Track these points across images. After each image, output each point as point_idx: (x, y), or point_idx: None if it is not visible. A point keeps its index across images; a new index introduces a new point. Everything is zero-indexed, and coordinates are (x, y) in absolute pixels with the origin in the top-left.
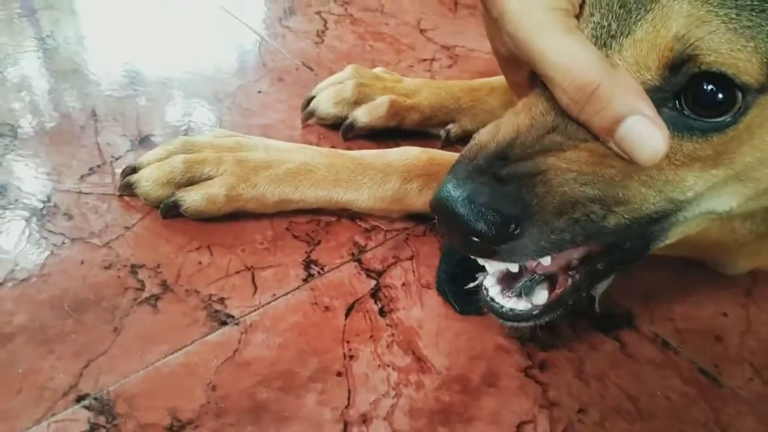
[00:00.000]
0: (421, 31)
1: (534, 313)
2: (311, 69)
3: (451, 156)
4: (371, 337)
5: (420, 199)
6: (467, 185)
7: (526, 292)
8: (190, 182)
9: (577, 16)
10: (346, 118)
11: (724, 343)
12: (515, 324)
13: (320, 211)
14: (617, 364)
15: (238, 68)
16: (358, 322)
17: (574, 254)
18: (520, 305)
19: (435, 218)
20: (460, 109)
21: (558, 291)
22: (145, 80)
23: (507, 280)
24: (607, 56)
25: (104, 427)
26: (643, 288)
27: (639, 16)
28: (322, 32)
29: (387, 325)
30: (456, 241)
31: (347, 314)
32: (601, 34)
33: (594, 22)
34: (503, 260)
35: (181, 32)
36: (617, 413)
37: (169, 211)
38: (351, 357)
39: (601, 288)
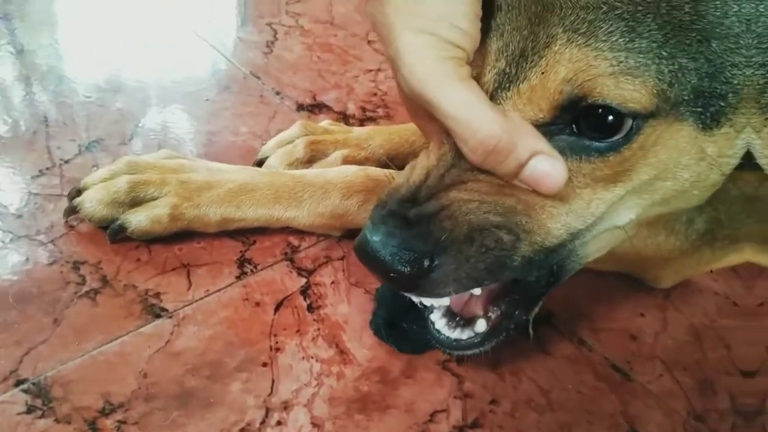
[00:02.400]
0: (369, 42)
1: (476, 341)
2: (258, 78)
3: (387, 173)
4: (298, 331)
5: (360, 215)
6: (381, 229)
7: (465, 324)
8: (134, 203)
9: (475, 65)
10: None
11: (639, 342)
12: (461, 353)
13: None
14: (532, 359)
15: (186, 76)
16: (286, 317)
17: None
18: (464, 335)
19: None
20: (414, 152)
21: (495, 320)
22: (94, 86)
23: (451, 314)
24: (506, 97)
25: (40, 408)
26: (564, 288)
27: (533, 63)
28: (272, 43)
29: (314, 320)
30: (380, 280)
31: (276, 309)
32: (503, 80)
33: (499, 68)
34: (427, 294)
35: (131, 40)
36: (528, 405)
37: (116, 234)
38: (277, 349)
39: (533, 311)
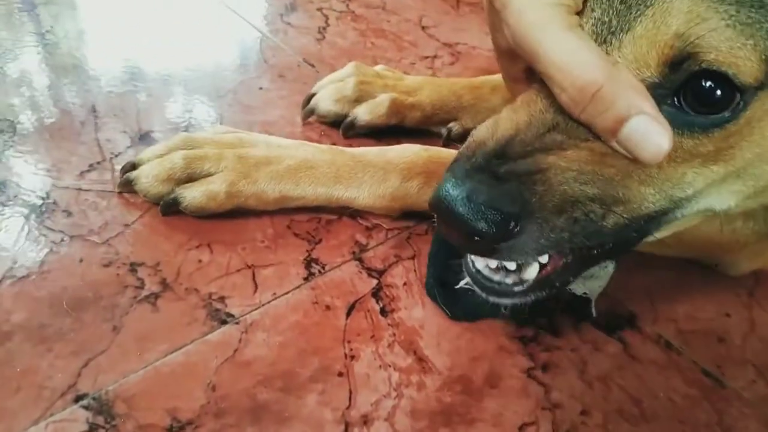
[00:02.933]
0: (423, 28)
1: (519, 289)
2: (312, 66)
3: (451, 154)
4: (372, 336)
5: (420, 197)
6: (466, 184)
7: (514, 268)
8: (190, 179)
9: (579, 13)
10: (346, 116)
11: (727, 344)
12: (499, 300)
13: (321, 210)
14: (620, 365)
15: (239, 65)
16: (359, 321)
17: None
18: (509, 279)
19: (435, 217)
20: (461, 107)
21: (549, 269)
22: (146, 76)
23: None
24: (607, 53)
25: (103, 427)
26: (644, 288)
27: (639, 12)
28: (324, 29)
29: (388, 324)
30: (456, 240)
31: (348, 314)
32: (602, 31)
33: (595, 18)
34: (503, 258)
35: (182, 28)
36: (620, 415)
37: (169, 207)
38: (352, 357)
39: (596, 290)
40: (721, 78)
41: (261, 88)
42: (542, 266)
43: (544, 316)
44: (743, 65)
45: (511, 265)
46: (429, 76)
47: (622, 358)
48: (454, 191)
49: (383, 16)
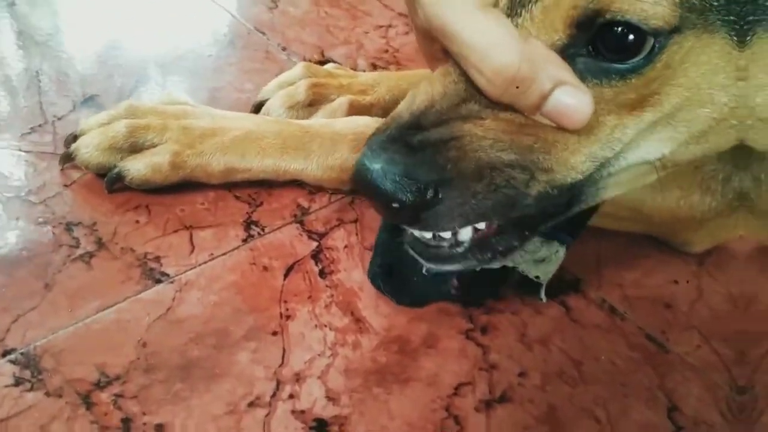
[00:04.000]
0: None
1: (458, 251)
2: (263, 33)
3: None
4: (309, 297)
5: None
6: (381, 156)
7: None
8: (133, 149)
9: None
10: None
11: (674, 311)
12: (442, 266)
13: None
14: (562, 328)
15: (188, 32)
16: (297, 282)
17: None
18: (444, 243)
19: None
20: None
21: (486, 230)
22: (92, 42)
23: None
24: (521, 24)
25: (29, 381)
26: (593, 255)
27: None
28: None
29: (326, 286)
30: (380, 212)
31: (286, 275)
32: (514, 3)
33: None
34: (429, 228)
35: None
36: (559, 377)
37: (114, 182)
38: (288, 317)
39: (548, 274)
40: (630, 26)
41: (210, 56)
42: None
43: (492, 296)
44: (651, 10)
45: (446, 235)
46: (382, 72)
47: (564, 321)
48: (370, 164)
49: None
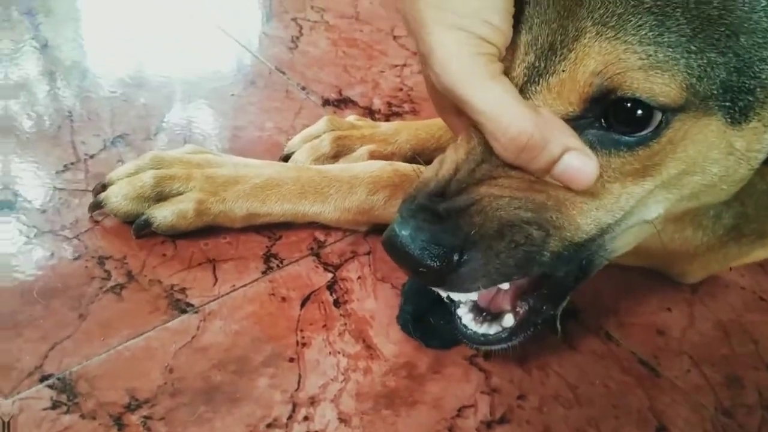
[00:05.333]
0: (395, 37)
1: (503, 336)
2: (284, 73)
3: (414, 168)
4: (324, 326)
5: (386, 210)
6: (410, 223)
7: (493, 319)
8: (159, 197)
9: (504, 59)
10: None
11: (666, 337)
12: (488, 347)
13: None
14: (559, 354)
15: (212, 71)
16: (312, 312)
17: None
18: (492, 330)
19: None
20: (440, 147)
21: (521, 313)
22: (119, 81)
23: (478, 309)
24: (535, 92)
25: (65, 404)
26: (591, 284)
27: (563, 56)
28: (297, 38)
29: (340, 315)
30: (407, 273)
31: (303, 305)
32: (532, 74)
33: (528, 62)
34: (456, 289)
35: (157, 36)
36: (556, 399)
37: (141, 229)
38: (303, 344)
39: (560, 306)
40: (639, 102)
41: (232, 95)
42: (516, 313)
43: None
44: (660, 90)
45: (492, 329)
46: (403, 122)
47: (562, 348)
48: (400, 230)
49: (356, 26)
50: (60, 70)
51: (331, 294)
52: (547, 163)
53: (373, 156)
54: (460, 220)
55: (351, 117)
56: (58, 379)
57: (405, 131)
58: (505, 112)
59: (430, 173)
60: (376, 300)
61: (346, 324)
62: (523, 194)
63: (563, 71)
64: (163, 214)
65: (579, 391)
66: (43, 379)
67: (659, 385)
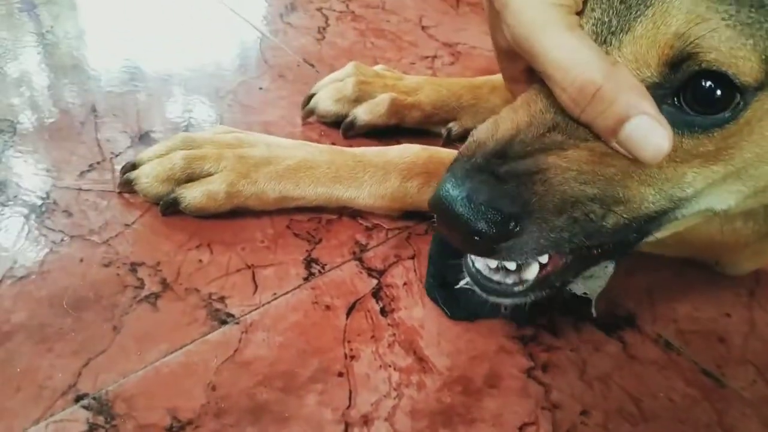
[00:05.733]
0: (423, 28)
1: (519, 289)
2: (312, 65)
3: (451, 154)
4: (372, 337)
5: (420, 197)
6: (466, 184)
7: (515, 268)
8: (190, 179)
9: (579, 13)
10: (346, 115)
11: (727, 345)
12: (500, 300)
13: (321, 210)
14: (620, 365)
15: (239, 65)
16: (359, 321)
17: None
18: (509, 279)
19: (435, 217)
20: (461, 107)
21: (549, 269)
22: (146, 76)
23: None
24: (606, 53)
25: (103, 427)
26: (644, 288)
27: (639, 12)
28: (324, 29)
29: (388, 324)
30: (456, 241)
31: (348, 314)
32: (602, 30)
33: (595, 18)
34: (503, 259)
35: (182, 28)
36: (620, 415)
37: (169, 207)
38: (352, 357)
39: (596, 290)
40: (721, 78)
41: (261, 89)
42: (542, 266)
43: (543, 315)
44: (743, 65)
45: (511, 265)
46: (428, 76)
47: (622, 358)
48: (454, 191)
49: (383, 16)
50: (84, 66)
51: (377, 302)
52: (615, 122)
53: (393, 104)
54: (522, 185)
55: (378, 66)
56: (94, 398)
57: (428, 86)
58: (578, 61)
59: (483, 133)
60: (424, 308)
61: (395, 335)
62: (591, 168)
63: (640, 28)
64: (192, 195)
65: (643, 404)
66: (78, 399)
67: (726, 398)
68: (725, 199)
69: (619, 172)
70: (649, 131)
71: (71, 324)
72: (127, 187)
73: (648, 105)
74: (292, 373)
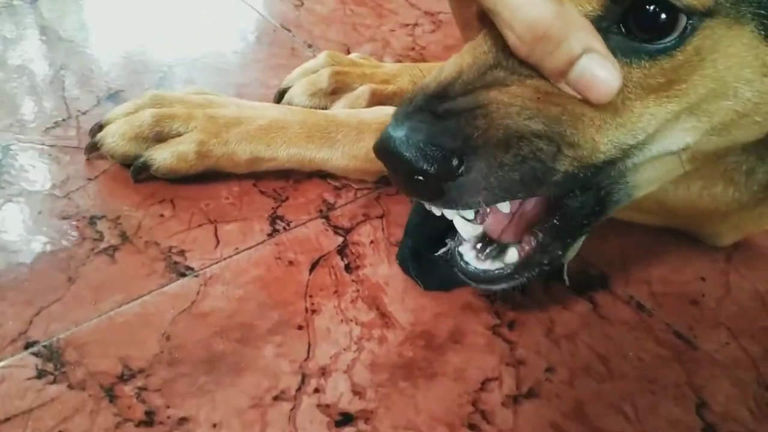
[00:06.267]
0: None
1: (506, 273)
2: (289, 30)
3: None
4: (335, 292)
5: None
6: (405, 124)
7: (496, 255)
8: (159, 138)
9: None
10: (324, 109)
11: (701, 307)
12: (489, 287)
13: (292, 171)
14: (589, 324)
15: (214, 29)
16: (322, 277)
17: (528, 207)
18: (494, 266)
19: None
20: None
21: (528, 249)
22: (117, 39)
23: (482, 244)
24: None
25: (52, 374)
26: (619, 251)
27: None
28: None
29: (352, 281)
30: (403, 185)
31: (312, 269)
32: None
33: None
34: (455, 204)
35: None
36: (587, 372)
37: (140, 172)
38: (313, 311)
39: (568, 255)
40: (664, 3)
41: (235, 52)
42: (521, 249)
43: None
44: None
45: (494, 265)
46: (406, 63)
47: (592, 317)
48: (393, 132)
49: None
50: (54, 26)
51: (342, 259)
52: (565, 62)
53: (374, 95)
54: (462, 121)
55: (354, 54)
56: (44, 346)
57: (407, 72)
58: None
59: (428, 78)
60: (390, 266)
61: (358, 290)
62: (536, 105)
63: None
64: (162, 156)
65: (611, 364)
66: (27, 345)
67: (697, 359)
68: (681, 137)
69: (566, 112)
70: (599, 71)
71: (26, 274)
72: (94, 150)
73: (597, 42)
74: (251, 325)
